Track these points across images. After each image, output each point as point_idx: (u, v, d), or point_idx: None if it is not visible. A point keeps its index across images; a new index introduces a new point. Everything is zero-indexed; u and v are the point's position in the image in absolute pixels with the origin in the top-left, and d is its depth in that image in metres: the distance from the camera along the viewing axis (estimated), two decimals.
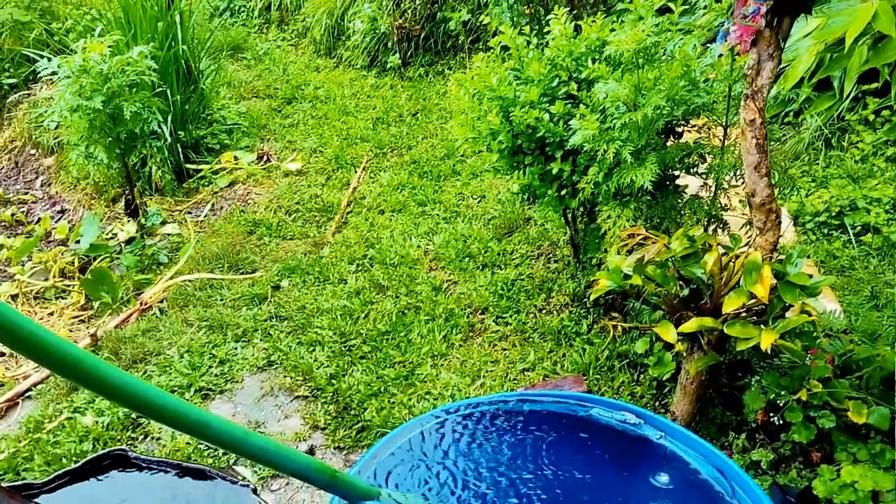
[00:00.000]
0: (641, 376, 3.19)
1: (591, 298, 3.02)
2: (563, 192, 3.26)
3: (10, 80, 6.11)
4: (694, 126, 3.30)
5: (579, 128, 2.98)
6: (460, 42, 6.18)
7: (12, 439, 3.23)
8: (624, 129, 2.92)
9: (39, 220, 5.00)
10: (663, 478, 1.45)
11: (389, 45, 6.32)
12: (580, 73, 3.24)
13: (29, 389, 3.50)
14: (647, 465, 1.50)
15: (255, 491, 1.55)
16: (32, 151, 5.93)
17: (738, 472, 1.42)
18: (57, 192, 5.50)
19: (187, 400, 3.37)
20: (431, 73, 6.24)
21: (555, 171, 3.15)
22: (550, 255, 4.09)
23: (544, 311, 3.70)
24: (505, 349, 3.53)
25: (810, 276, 2.54)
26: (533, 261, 4.07)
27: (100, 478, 1.68)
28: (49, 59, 4.17)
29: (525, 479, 1.50)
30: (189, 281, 4.11)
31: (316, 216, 4.71)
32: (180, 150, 5.02)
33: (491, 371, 3.40)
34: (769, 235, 2.61)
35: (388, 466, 1.52)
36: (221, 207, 4.90)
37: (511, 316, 3.70)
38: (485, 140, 3.30)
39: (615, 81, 2.95)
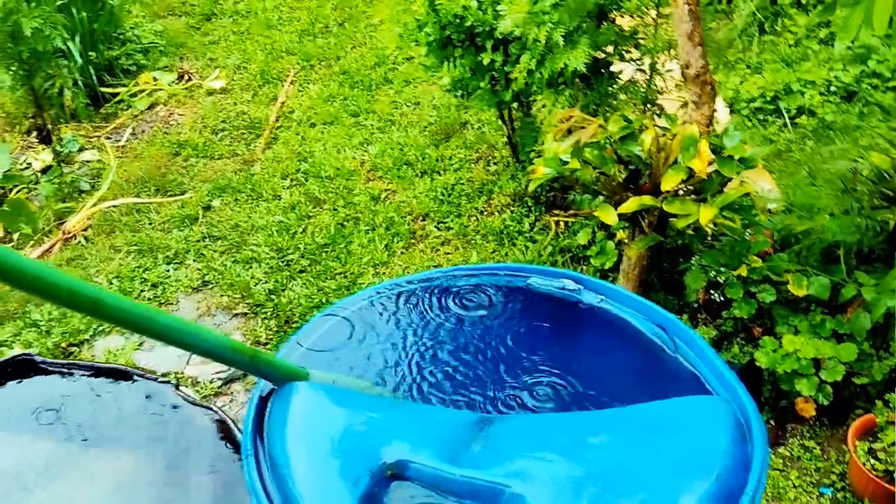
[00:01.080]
0: (585, 268, 3.17)
1: (530, 189, 2.96)
2: (496, 85, 3.15)
3: None
4: (626, 10, 3.20)
5: (508, 13, 2.85)
6: None
7: None
8: (555, 12, 2.80)
9: None
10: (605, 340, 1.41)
11: None
12: None
13: None
14: (590, 329, 1.46)
15: (176, 386, 1.47)
16: None
17: (680, 326, 1.38)
18: None
19: (118, 328, 3.23)
20: None
21: (486, 61, 3.03)
22: (489, 158, 4.00)
23: (485, 213, 3.63)
24: (448, 253, 3.46)
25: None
26: (472, 164, 3.98)
27: (12, 383, 1.57)
28: None
29: (463, 355, 1.44)
30: (114, 206, 3.90)
31: (244, 133, 4.50)
32: (93, 72, 4.70)
33: None
34: (704, 109, 2.56)
35: (317, 347, 1.44)
36: (143, 131, 4.64)
37: (452, 220, 3.62)
38: (412, 34, 3.14)
39: None
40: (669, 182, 2.39)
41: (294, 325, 3.15)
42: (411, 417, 1.27)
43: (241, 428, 1.49)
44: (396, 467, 1.14)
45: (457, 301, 1.50)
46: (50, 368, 1.57)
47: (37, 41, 3.78)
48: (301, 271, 3.45)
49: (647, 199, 2.41)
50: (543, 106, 2.92)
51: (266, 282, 3.39)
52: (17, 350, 3.13)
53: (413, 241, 3.58)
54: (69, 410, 1.48)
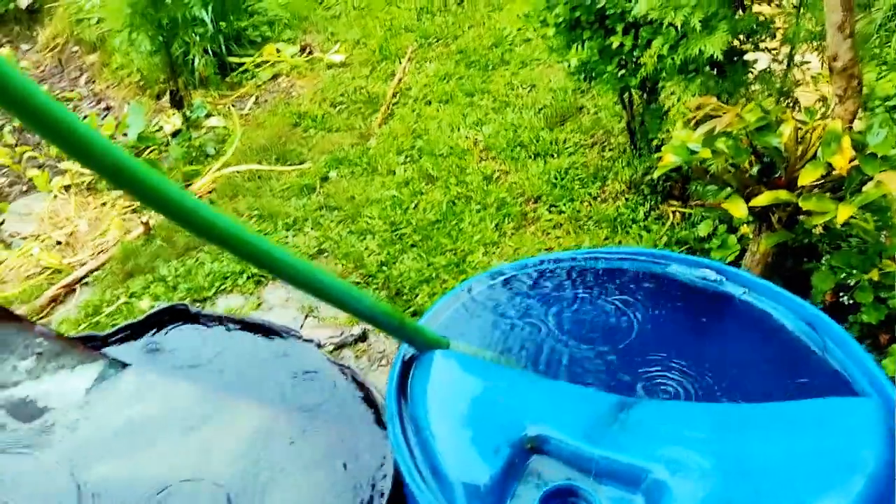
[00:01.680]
0: None
1: (655, 176, 2.90)
2: (624, 70, 3.09)
3: None
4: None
5: None
6: None
7: (72, 322, 3.29)
8: None
9: (86, 117, 4.97)
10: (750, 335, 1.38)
11: None
12: None
13: (86, 276, 3.55)
14: (733, 323, 1.43)
15: (319, 345, 1.53)
16: (75, 48, 5.87)
17: (830, 325, 1.34)
18: (102, 90, 5.46)
19: (240, 286, 3.39)
20: None
21: (615, 45, 2.98)
22: (605, 144, 3.94)
23: (599, 199, 3.59)
24: (559, 237, 3.44)
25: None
26: (587, 149, 3.93)
27: (163, 331, 1.67)
28: None
29: (599, 338, 1.44)
30: (237, 172, 4.08)
31: (361, 108, 4.60)
32: (222, 41, 4.91)
33: None
34: (849, 104, 2.43)
35: (457, 319, 1.47)
36: (265, 100, 4.81)
37: (565, 204, 3.59)
38: (540, 14, 3.12)
39: None
40: (807, 177, 2.29)
41: (404, 297, 3.22)
42: (550, 394, 1.28)
43: (380, 392, 1.54)
44: (537, 441, 1.16)
45: (596, 283, 1.50)
46: (202, 319, 1.67)
47: (176, 8, 3.97)
48: (412, 245, 3.51)
49: (782, 194, 2.32)
50: (672, 93, 2.85)
51: (378, 253, 3.47)
52: (147, 303, 3.34)
53: (524, 223, 3.57)
54: (218, 361, 1.57)
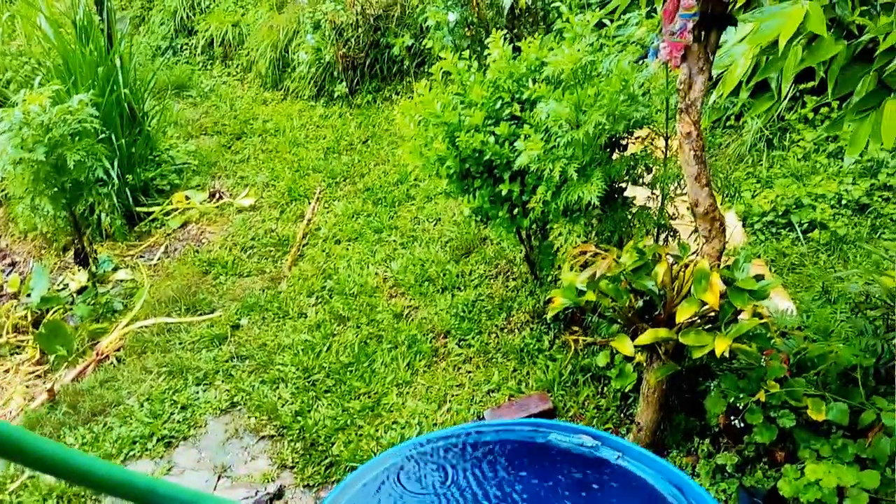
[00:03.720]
0: (605, 388, 3.22)
1: (549, 316, 3.05)
2: (515, 212, 3.28)
3: None
4: (638, 137, 3.36)
5: (524, 149, 3.01)
6: (405, 67, 6.21)
7: None
8: (568, 147, 2.96)
9: None
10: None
11: (335, 74, 6.33)
12: (522, 94, 3.28)
13: None
14: (608, 487, 1.51)
15: None
16: None
17: (698, 490, 1.44)
18: (6, 245, 5.37)
19: (150, 451, 3.31)
20: (379, 100, 6.26)
21: (504, 192, 3.18)
22: (508, 273, 4.11)
23: (506, 330, 3.71)
24: (469, 371, 3.53)
25: (760, 278, 2.59)
26: (492, 280, 4.09)
27: None
28: None
29: None
30: (146, 327, 4.04)
31: (272, 251, 4.68)
32: (129, 193, 4.95)
33: (457, 395, 3.40)
34: (715, 243, 2.66)
35: None
36: (175, 249, 4.84)
37: (473, 337, 3.70)
38: (433, 166, 3.31)
39: (556, 101, 2.99)
40: (683, 314, 2.47)
41: (320, 448, 3.20)
42: None
43: None
44: None
45: (480, 460, 1.57)
46: None
47: (79, 172, 4.01)
48: (326, 391, 3.52)
49: (662, 332, 2.49)
50: (560, 234, 3.04)
51: (292, 402, 3.46)
52: (71, 502, 3.21)
53: (435, 359, 3.65)
54: None
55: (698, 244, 2.87)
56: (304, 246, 4.68)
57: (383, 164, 5.43)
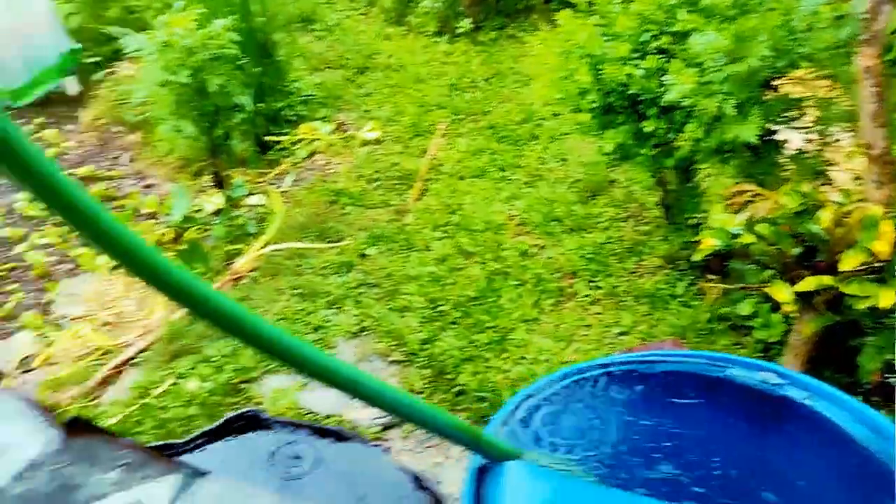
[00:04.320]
0: (745, 339, 3.11)
1: (694, 259, 2.94)
2: (658, 151, 3.17)
3: (93, 59, 6.27)
4: (792, 80, 3.16)
5: (675, 82, 2.88)
6: (533, 3, 6.04)
7: (122, 404, 3.35)
8: (724, 83, 2.81)
9: (128, 194, 5.14)
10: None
11: (460, 9, 6.23)
12: (672, 25, 3.13)
13: (134, 357, 3.62)
14: (795, 429, 1.45)
15: (387, 451, 1.57)
16: (117, 128, 6.08)
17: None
18: (143, 168, 5.64)
19: (285, 367, 3.44)
20: (504, 37, 6.13)
21: (649, 129, 3.06)
22: (639, 217, 4.00)
23: (636, 274, 3.63)
24: (598, 313, 3.48)
25: None
26: (621, 223, 3.99)
27: (235, 437, 1.72)
28: (133, 36, 4.25)
29: (659, 445, 1.47)
30: (278, 250, 4.18)
31: (396, 184, 4.71)
32: (261, 122, 5.08)
33: (585, 335, 3.36)
34: (886, 190, 2.48)
35: (519, 427, 1.51)
36: (303, 178, 4.95)
37: (602, 279, 3.64)
38: (573, 100, 3.23)
39: (714, 32, 2.83)
40: (849, 263, 2.34)
41: (447, 377, 3.25)
42: None
43: (447, 495, 1.57)
44: None
45: (652, 389, 1.54)
46: (274, 426, 1.72)
47: (220, 97, 4.13)
48: (452, 323, 3.56)
49: (826, 279, 2.36)
50: (709, 175, 2.92)
51: (420, 331, 3.52)
52: (194, 384, 3.40)
53: (562, 298, 3.62)
54: (293, 469, 1.60)
55: (861, 193, 2.70)
56: (428, 180, 4.69)
57: (507, 102, 5.35)
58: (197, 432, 1.76)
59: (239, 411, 1.83)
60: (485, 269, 3.84)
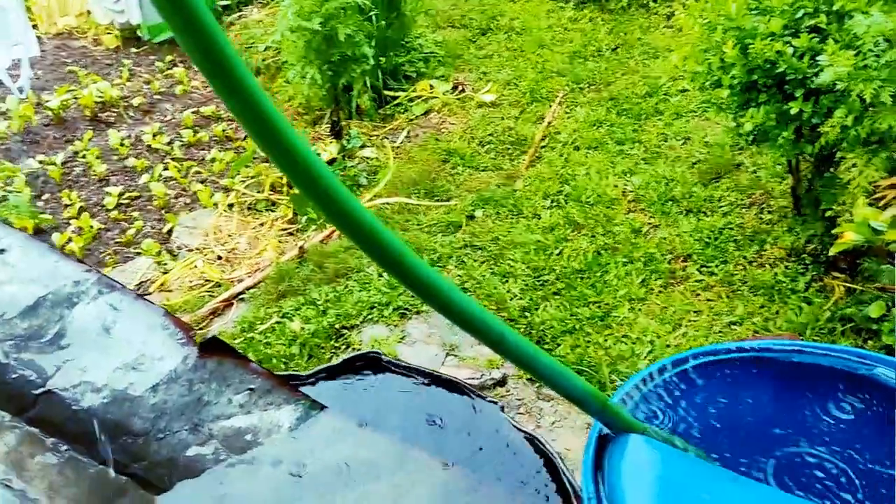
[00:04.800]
0: (869, 343, 2.91)
1: (831, 252, 2.76)
2: (799, 136, 2.98)
3: (224, 2, 6.45)
4: None
5: (829, 64, 2.68)
6: None
7: (228, 336, 3.47)
8: (884, 68, 2.60)
9: (247, 137, 5.28)
10: None
11: None
12: (830, 5, 2.91)
13: (243, 292, 3.74)
14: None
15: (502, 409, 1.55)
16: None
17: None
18: None
19: (385, 318, 3.48)
20: (634, 6, 5.92)
21: (794, 111, 2.88)
22: (763, 205, 3.80)
23: (755, 264, 3.46)
24: (710, 300, 3.34)
25: None
26: (743, 209, 3.81)
27: (357, 377, 1.74)
28: None
29: (791, 438, 1.38)
30: (387, 204, 4.21)
31: (509, 149, 4.65)
32: (381, 75, 5.10)
33: (694, 321, 3.24)
34: None
35: (643, 400, 1.45)
36: (416, 135, 4.95)
37: (717, 266, 3.49)
38: (714, 74, 3.06)
39: (881, 13, 2.62)
40: None
41: (545, 347, 3.20)
42: (746, 494, 1.24)
43: (563, 462, 1.54)
44: None
45: (792, 379, 1.45)
46: (394, 369, 1.73)
47: (348, 46, 4.16)
48: (555, 293, 3.50)
49: None
50: (854, 165, 2.72)
51: (521, 298, 3.48)
52: (298, 324, 3.48)
53: (672, 281, 3.49)
54: (407, 414, 1.61)
55: None
56: (541, 148, 4.61)
57: (632, 74, 5.17)
58: (318, 367, 1.78)
59: (361, 352, 1.84)
60: (593, 243, 3.75)
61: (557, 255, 3.73)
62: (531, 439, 1.58)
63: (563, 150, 4.54)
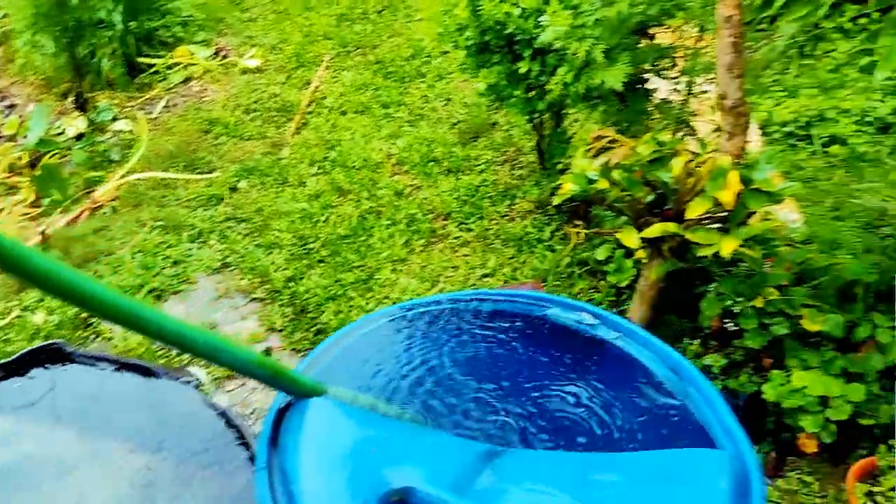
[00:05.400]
0: (600, 283, 3.18)
1: (555, 202, 2.97)
2: (531, 94, 3.15)
3: None
4: (668, 28, 3.19)
5: (550, 24, 2.85)
6: None
7: None
8: (597, 27, 2.80)
9: None
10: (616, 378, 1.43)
11: None
12: None
13: None
14: (603, 366, 1.48)
15: (197, 387, 1.51)
16: None
17: (693, 373, 1.40)
18: (5, 87, 5.21)
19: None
20: None
21: (522, 70, 3.03)
22: (515, 162, 4.01)
23: (507, 218, 3.65)
24: (466, 255, 3.49)
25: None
26: (498, 167, 3.99)
27: (38, 371, 1.62)
28: None
29: (477, 381, 1.47)
30: (142, 179, 3.96)
31: (275, 116, 4.54)
32: (132, 41, 4.75)
33: (450, 276, 3.37)
34: (737, 140, 2.55)
35: (338, 363, 1.48)
36: (176, 104, 4.69)
37: (474, 222, 3.64)
38: (452, 35, 3.15)
39: None
40: (695, 210, 2.40)
41: (309, 315, 3.20)
42: (422, 443, 1.30)
43: (254, 434, 1.53)
44: (403, 493, 1.17)
45: (475, 327, 1.53)
46: (79, 359, 1.63)
47: (82, 11, 3.83)
48: (320, 261, 3.49)
49: (670, 226, 2.42)
50: (576, 120, 2.92)
51: (286, 268, 3.43)
52: (41, 317, 3.22)
53: (433, 239, 3.60)
54: (95, 404, 1.52)
55: (718, 144, 2.77)
56: (308, 114, 4.54)
57: (397, 36, 5.20)
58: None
59: (41, 344, 1.72)
60: (358, 208, 3.77)
61: (324, 222, 3.71)
62: (223, 414, 1.56)
63: (329, 115, 4.50)
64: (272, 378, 1.25)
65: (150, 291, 3.32)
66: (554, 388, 1.45)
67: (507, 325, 1.54)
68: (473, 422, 1.39)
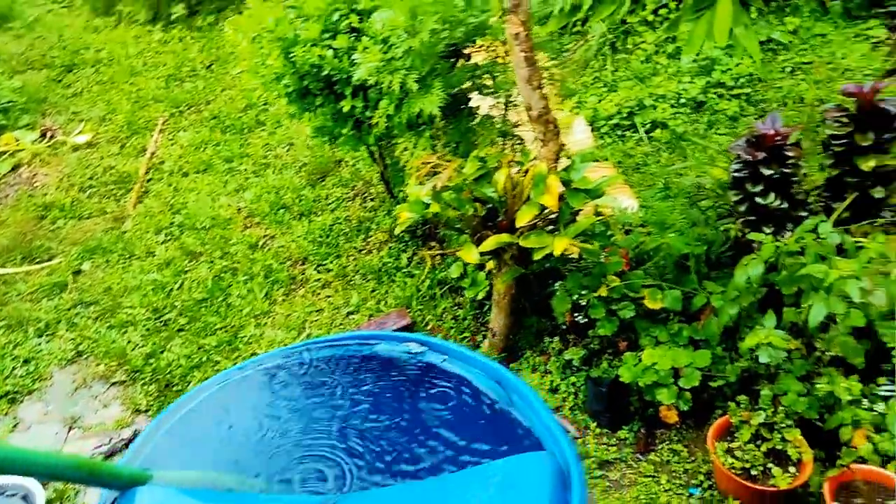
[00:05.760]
0: (461, 299, 3.26)
1: (397, 232, 3.02)
2: (361, 129, 3.19)
3: None
4: (482, 45, 3.31)
5: (362, 61, 2.90)
6: None
7: None
8: (406, 58, 2.88)
9: None
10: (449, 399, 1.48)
11: None
12: (359, 4, 3.15)
13: None
14: (436, 389, 1.53)
15: (24, 497, 1.44)
16: None
17: (514, 382, 1.47)
18: None
19: None
20: (222, 20, 5.84)
21: (346, 109, 3.07)
22: (366, 194, 4.04)
23: (364, 252, 3.67)
24: (329, 296, 3.49)
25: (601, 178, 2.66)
26: (349, 202, 4.01)
27: None
28: None
29: (319, 427, 1.48)
30: None
31: (113, 189, 4.38)
32: None
33: (316, 320, 3.36)
34: (551, 146, 2.69)
35: (170, 441, 1.45)
36: (6, 195, 4.45)
37: (332, 262, 3.65)
38: (271, 85, 3.15)
39: (391, 9, 2.88)
40: (523, 218, 2.51)
41: (175, 388, 3.10)
42: None
43: None
44: None
45: (309, 377, 1.54)
46: None
47: None
48: (179, 330, 3.39)
49: (503, 237, 2.52)
50: (405, 149, 2.99)
51: (143, 345, 3.32)
52: None
53: (293, 286, 3.58)
54: None
55: (537, 155, 2.90)
56: (148, 182, 4.41)
57: (230, 89, 5.15)
58: None
59: None
60: (213, 269, 3.70)
61: (178, 289, 3.62)
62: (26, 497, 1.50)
63: (170, 179, 4.40)
64: (90, 477, 1.21)
65: (2, 396, 3.13)
66: (394, 421, 1.48)
67: (339, 369, 1.56)
68: (313, 474, 1.39)
